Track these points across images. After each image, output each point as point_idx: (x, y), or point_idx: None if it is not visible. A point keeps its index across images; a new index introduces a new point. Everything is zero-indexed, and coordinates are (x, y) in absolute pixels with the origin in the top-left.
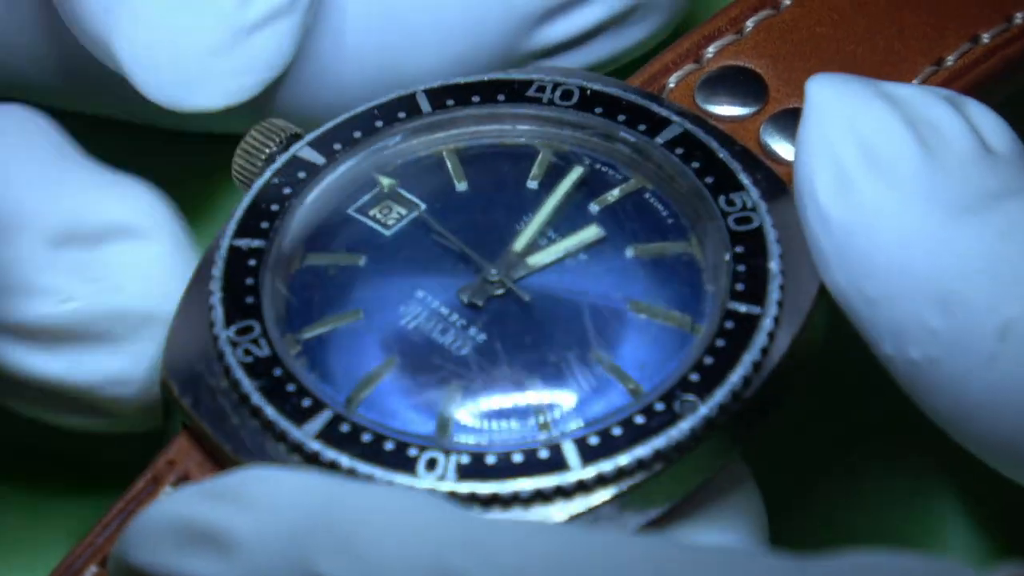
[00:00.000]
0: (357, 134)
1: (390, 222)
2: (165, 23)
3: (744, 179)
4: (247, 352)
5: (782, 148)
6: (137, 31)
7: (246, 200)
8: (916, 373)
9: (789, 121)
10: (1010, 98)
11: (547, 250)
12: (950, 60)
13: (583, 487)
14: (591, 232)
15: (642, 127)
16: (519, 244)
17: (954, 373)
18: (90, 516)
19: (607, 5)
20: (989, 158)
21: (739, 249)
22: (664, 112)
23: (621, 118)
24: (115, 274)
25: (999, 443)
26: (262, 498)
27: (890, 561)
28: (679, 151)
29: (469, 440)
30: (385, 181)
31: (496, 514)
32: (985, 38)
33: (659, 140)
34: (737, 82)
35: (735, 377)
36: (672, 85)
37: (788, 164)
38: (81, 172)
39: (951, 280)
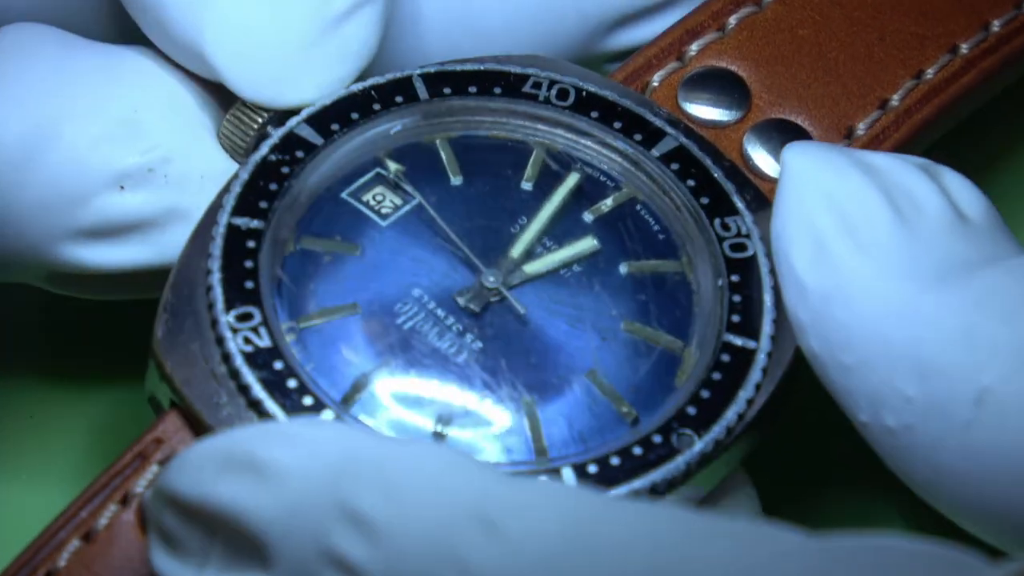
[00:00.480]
0: (355, 115)
1: (384, 211)
2: (254, 21)
3: (738, 202)
4: (247, 340)
5: (764, 161)
6: (227, 32)
7: (243, 175)
8: (891, 440)
9: (772, 132)
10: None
11: (543, 259)
12: (930, 73)
13: None
14: (587, 244)
15: (637, 137)
16: (516, 251)
17: (929, 440)
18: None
19: (680, 14)
20: (963, 226)
21: (734, 278)
22: (658, 123)
23: (617, 125)
24: (161, 144)
25: (973, 508)
26: (305, 435)
27: (904, 545)
28: (674, 166)
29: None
30: (392, 166)
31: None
32: (964, 48)
33: (655, 152)
34: (720, 86)
35: (730, 413)
36: (656, 84)
37: (771, 180)
38: (89, 66)
39: (927, 349)
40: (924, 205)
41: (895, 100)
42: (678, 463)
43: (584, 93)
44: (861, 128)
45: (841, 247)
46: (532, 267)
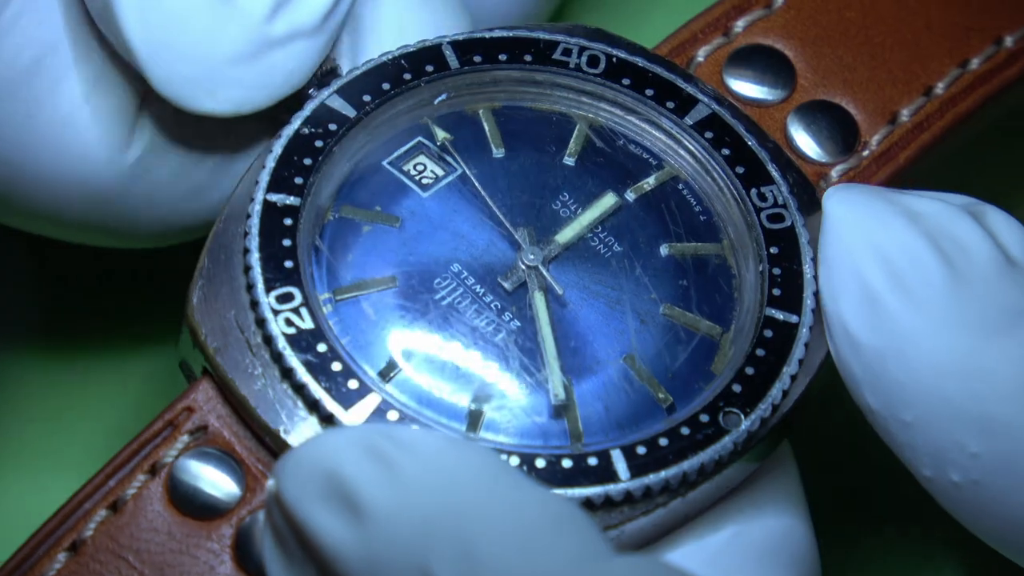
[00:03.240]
0: (386, 85)
1: (425, 181)
2: (189, 22)
3: (773, 171)
4: (289, 322)
5: (808, 144)
6: (158, 24)
7: (276, 150)
8: (958, 494)
9: (816, 114)
10: None
11: (571, 225)
12: (975, 63)
13: (630, 499)
14: (608, 201)
15: (670, 104)
16: (562, 236)
17: (997, 495)
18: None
19: None
20: (1013, 271)
21: (773, 250)
22: (690, 89)
23: (648, 92)
24: None
25: None
26: (412, 473)
27: None
28: (708, 135)
29: (500, 438)
30: (440, 133)
31: (630, 555)
32: (1009, 41)
33: (688, 121)
34: (766, 64)
35: (775, 391)
36: (701, 59)
37: (814, 162)
38: None
39: (987, 404)
40: (972, 251)
41: (940, 88)
42: (725, 443)
43: (615, 60)
44: (905, 114)
45: (893, 302)
46: (563, 235)
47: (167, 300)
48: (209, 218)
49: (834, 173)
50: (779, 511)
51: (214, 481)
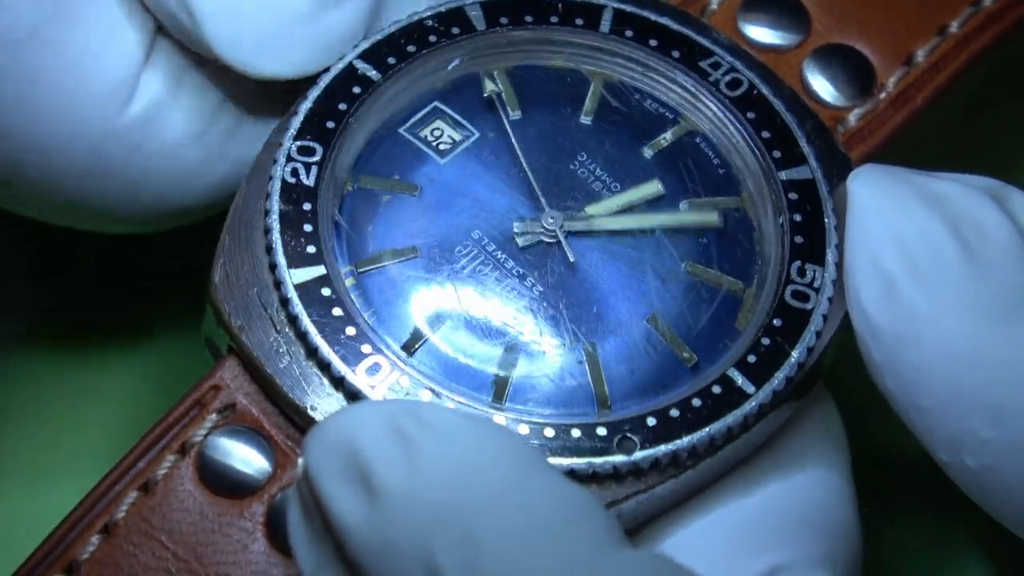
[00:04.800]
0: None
1: (443, 147)
2: None
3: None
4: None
5: (825, 88)
6: None
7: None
8: (973, 479)
9: (833, 59)
10: None
11: (606, 202)
12: (987, 0)
13: (637, 471)
14: (651, 188)
15: (684, 58)
16: (592, 209)
17: (1010, 480)
18: None
19: None
20: None
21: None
22: (704, 41)
23: (675, 54)
24: None
25: None
26: (430, 455)
27: None
28: (724, 87)
29: (527, 406)
30: (489, 86)
31: (635, 552)
32: None
33: (711, 80)
34: (780, 8)
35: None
36: (715, 7)
37: (832, 107)
38: None
39: (1000, 389)
40: (991, 236)
41: (954, 27)
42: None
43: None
44: (920, 55)
45: (909, 288)
46: (594, 208)
47: (175, 281)
48: (208, 199)
49: (852, 117)
50: (813, 469)
51: (245, 457)
